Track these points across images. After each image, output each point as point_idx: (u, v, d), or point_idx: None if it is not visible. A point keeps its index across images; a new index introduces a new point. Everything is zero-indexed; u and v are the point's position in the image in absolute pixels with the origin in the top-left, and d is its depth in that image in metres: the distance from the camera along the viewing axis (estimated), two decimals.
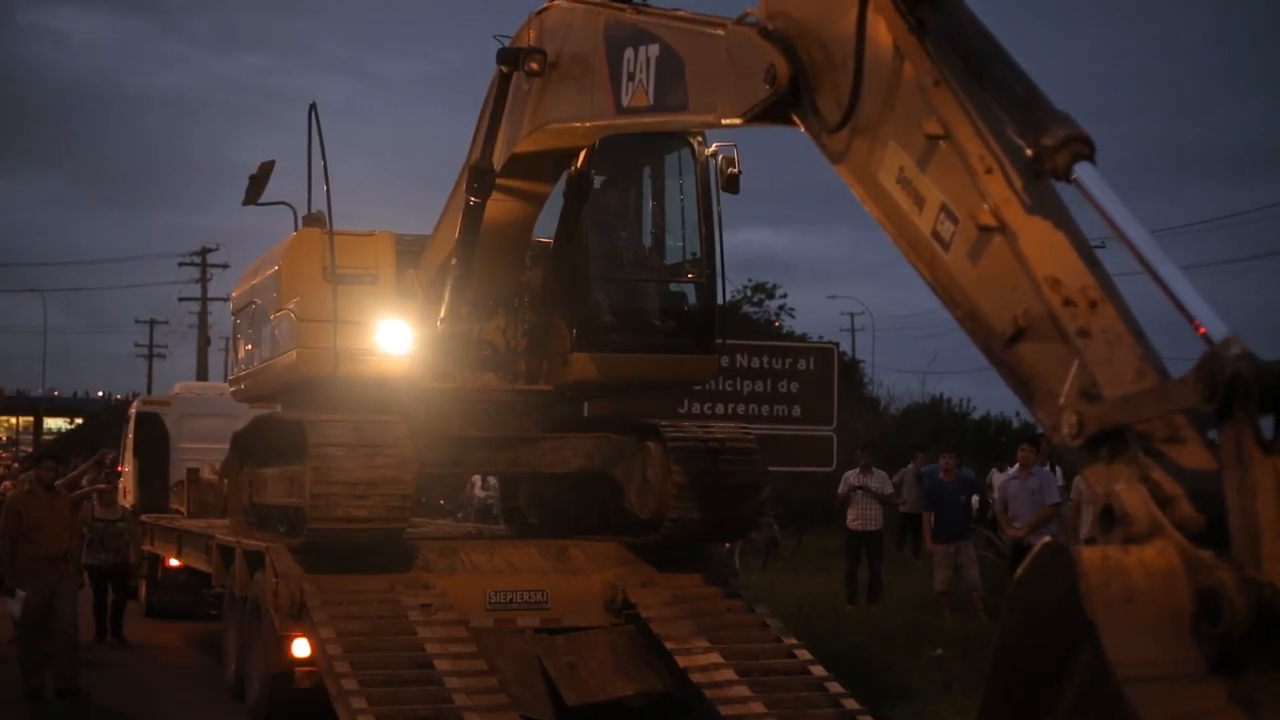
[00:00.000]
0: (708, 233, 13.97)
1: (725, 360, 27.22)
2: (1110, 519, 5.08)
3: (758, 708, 12.20)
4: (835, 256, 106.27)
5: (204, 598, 20.05)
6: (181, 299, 74.52)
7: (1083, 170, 5.74)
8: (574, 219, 13.61)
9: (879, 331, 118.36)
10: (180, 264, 73.06)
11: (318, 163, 13.57)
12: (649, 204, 14.49)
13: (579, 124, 10.79)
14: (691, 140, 13.96)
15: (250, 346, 15.96)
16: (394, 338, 13.58)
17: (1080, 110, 5.99)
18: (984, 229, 6.04)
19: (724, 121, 8.42)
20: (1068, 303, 5.68)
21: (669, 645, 12.95)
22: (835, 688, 12.65)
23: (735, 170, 13.53)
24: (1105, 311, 5.67)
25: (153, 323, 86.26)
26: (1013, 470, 20.53)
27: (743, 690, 12.38)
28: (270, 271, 14.76)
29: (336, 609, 12.61)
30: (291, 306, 13.85)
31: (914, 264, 6.53)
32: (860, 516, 23.83)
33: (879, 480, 24.31)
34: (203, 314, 72.85)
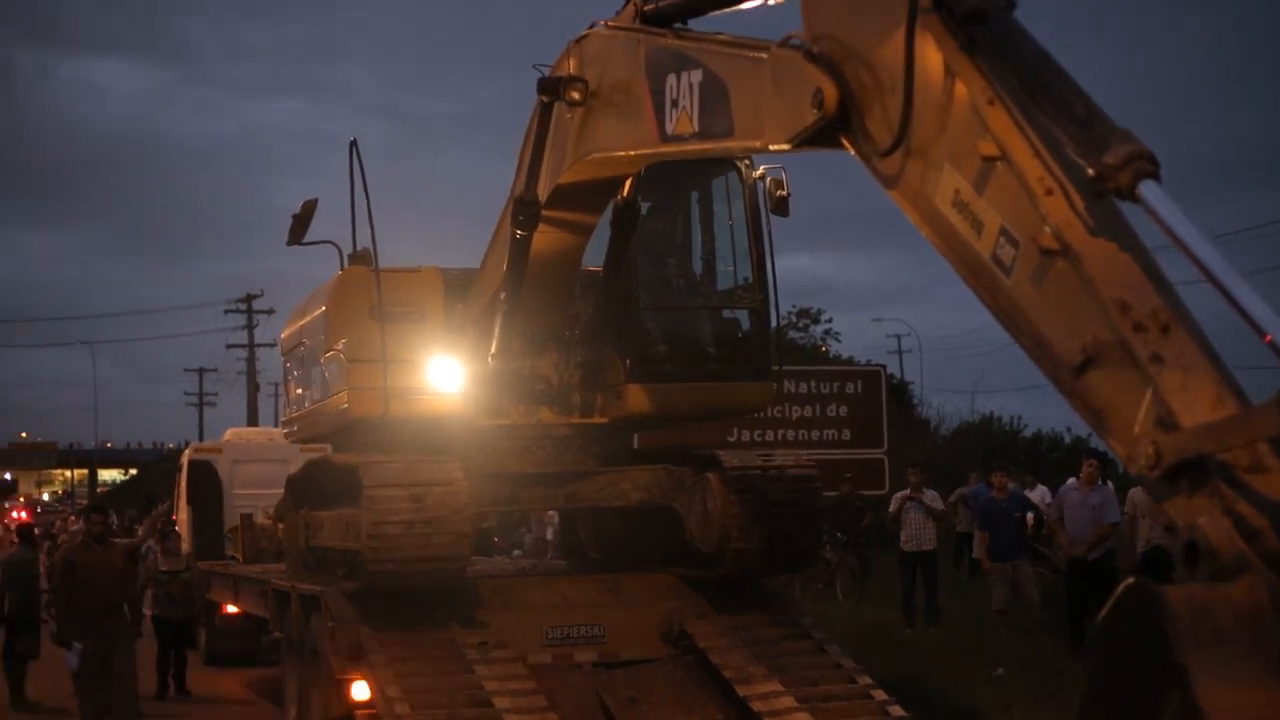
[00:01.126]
0: (759, 257, 13.76)
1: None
2: (1195, 555, 4.86)
3: None
4: (878, 280, 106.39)
5: (261, 643, 19.97)
6: (229, 346, 74.79)
7: (1148, 189, 5.52)
8: (622, 248, 13.43)
9: (926, 353, 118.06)
10: (226, 311, 73.27)
11: (360, 200, 13.43)
12: (698, 230, 14.28)
13: (623, 153, 10.61)
14: (739, 164, 13.76)
15: (301, 388, 15.85)
16: (445, 375, 13.41)
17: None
18: (1046, 252, 5.81)
19: (772, 147, 8.20)
20: (1138, 328, 5.45)
21: (727, 674, 12.78)
22: (898, 711, 12.51)
23: (784, 193, 13.34)
24: (1178, 335, 5.44)
25: (201, 371, 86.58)
26: (1073, 482, 20.23)
27: (804, 717, 12.23)
28: (317, 312, 14.64)
29: (394, 650, 12.47)
30: (340, 347, 13.72)
31: (975, 290, 6.31)
32: (913, 537, 23.60)
33: (930, 498, 24.06)
34: (251, 360, 73.01)
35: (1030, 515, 24.38)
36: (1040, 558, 24.68)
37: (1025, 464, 35.08)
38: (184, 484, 26.48)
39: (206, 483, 25.63)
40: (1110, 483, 19.85)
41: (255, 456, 25.82)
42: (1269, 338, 5.01)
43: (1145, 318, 5.48)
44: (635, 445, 15.35)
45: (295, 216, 14.19)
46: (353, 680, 12.69)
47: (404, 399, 13.26)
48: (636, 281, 13.73)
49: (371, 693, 12.44)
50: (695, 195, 14.33)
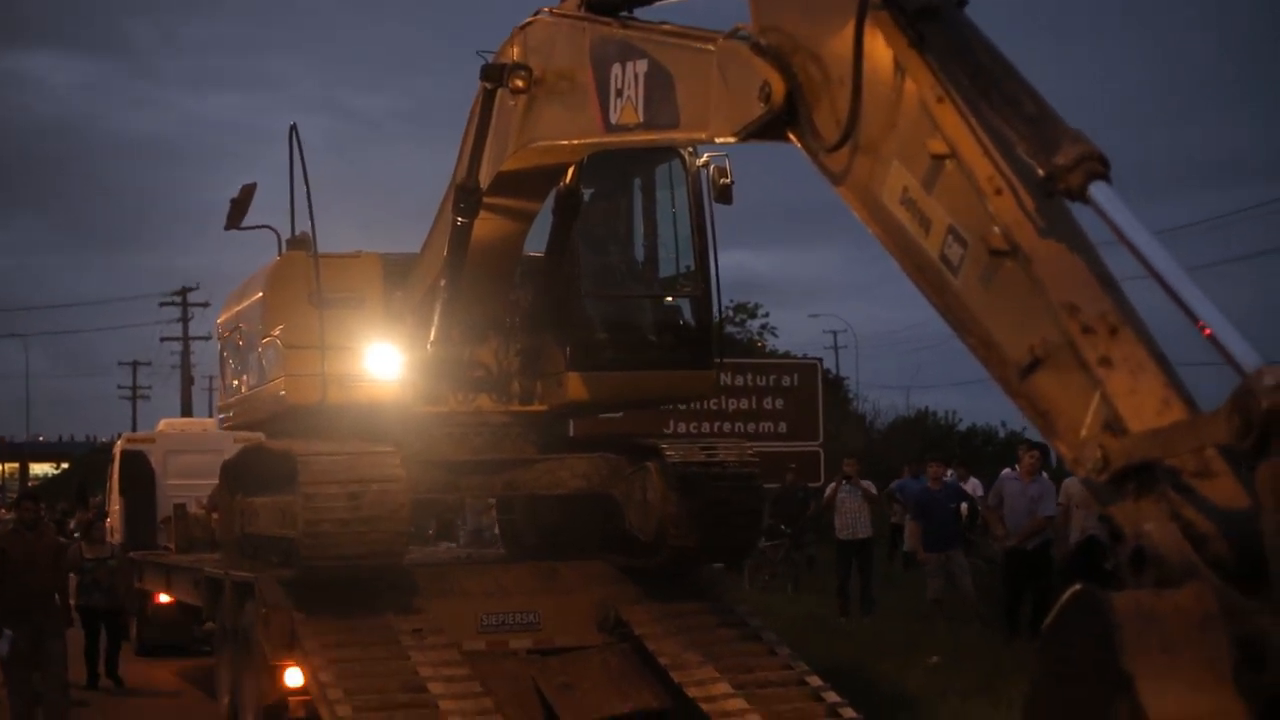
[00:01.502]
0: (701, 245, 13.72)
1: None
2: (1141, 560, 4.83)
3: (755, 719, 11.99)
4: (817, 277, 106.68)
5: (194, 633, 19.79)
6: (163, 339, 73.95)
7: (1098, 190, 5.48)
8: (564, 235, 13.34)
9: (863, 349, 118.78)
10: (161, 304, 72.51)
11: (300, 185, 13.32)
12: (640, 218, 14.23)
13: (567, 141, 10.52)
14: (682, 151, 13.69)
15: (237, 374, 15.70)
16: (383, 362, 13.31)
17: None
18: (995, 253, 5.77)
19: (718, 140, 8.14)
20: (1087, 330, 5.42)
21: (662, 661, 12.81)
22: (832, 697, 12.55)
23: (728, 180, 13.27)
24: (1126, 338, 5.41)
25: (135, 364, 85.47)
26: (1011, 472, 20.28)
27: (739, 703, 12.26)
28: (255, 297, 14.49)
29: (327, 637, 12.43)
30: (277, 333, 13.60)
31: (921, 288, 6.26)
32: (849, 524, 23.58)
33: (866, 485, 24.10)
34: (185, 353, 72.26)
35: (964, 505, 24.45)
36: (973, 547, 24.78)
37: (960, 458, 35.28)
38: (116, 474, 26.22)
39: (139, 473, 25.38)
40: (1046, 474, 19.91)
41: (189, 447, 25.61)
42: (1208, 331, 5.00)
43: (1094, 320, 5.44)
44: (571, 433, 15.28)
45: (233, 201, 14.06)
46: (286, 667, 12.65)
47: (342, 386, 13.16)
48: (578, 269, 13.67)
49: (305, 679, 12.40)
50: (638, 182, 14.27)
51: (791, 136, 7.40)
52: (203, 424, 29.49)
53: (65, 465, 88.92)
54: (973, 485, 27.72)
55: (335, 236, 14.40)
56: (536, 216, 12.78)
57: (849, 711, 12.34)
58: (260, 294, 14.21)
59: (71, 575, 19.49)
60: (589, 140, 10.10)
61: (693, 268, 13.82)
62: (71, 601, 19.44)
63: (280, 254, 14.14)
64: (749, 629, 13.51)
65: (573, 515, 14.92)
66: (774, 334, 60.11)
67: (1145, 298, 5.69)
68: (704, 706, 12.26)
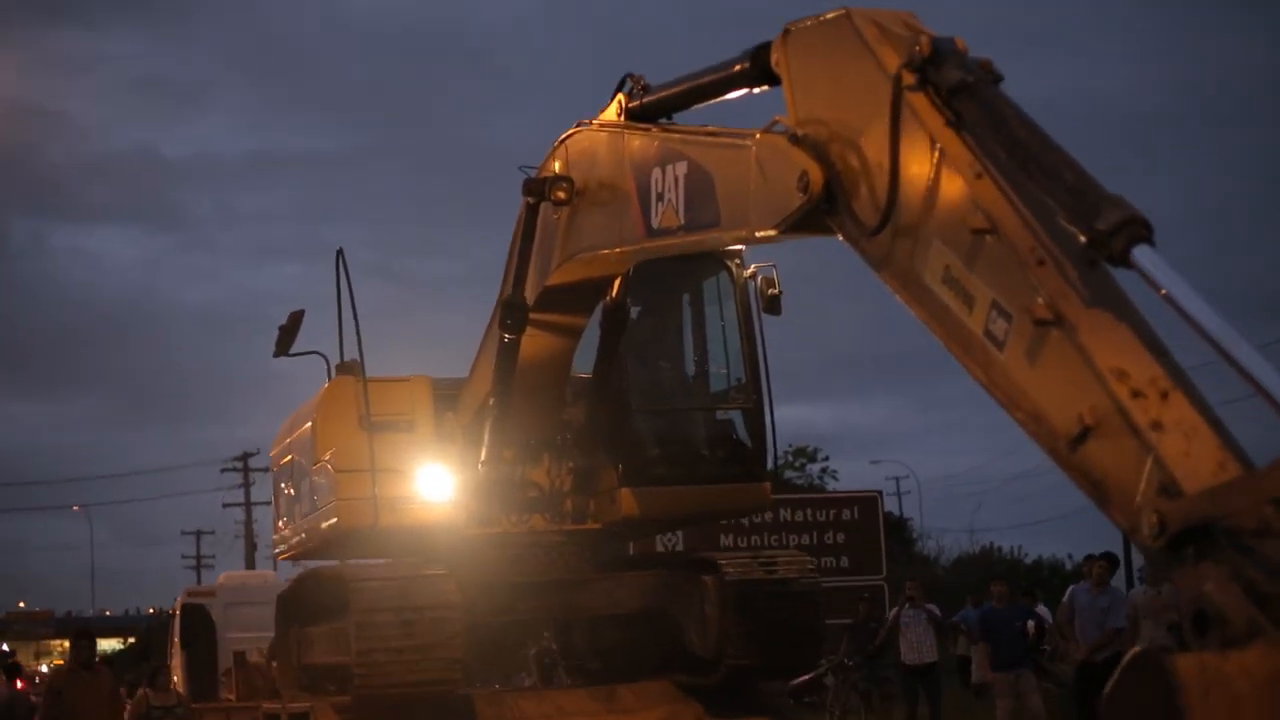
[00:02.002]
0: (751, 356, 13.63)
1: (769, 515, 26.85)
2: (1204, 624, 4.69)
3: None
4: (876, 426, 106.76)
5: None
6: (226, 504, 73.72)
7: (1141, 253, 5.41)
8: (612, 350, 13.28)
9: (924, 494, 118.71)
10: (222, 470, 72.42)
11: (347, 309, 13.33)
12: (689, 331, 14.15)
13: (610, 250, 10.51)
14: (729, 263, 13.68)
15: (290, 505, 15.62)
16: (435, 484, 13.22)
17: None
18: (1040, 323, 5.70)
19: (758, 235, 8.11)
20: (1136, 395, 5.32)
21: None
22: None
23: (776, 291, 13.24)
24: (1177, 401, 5.30)
25: (199, 534, 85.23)
26: (1083, 584, 19.94)
27: None
28: (305, 424, 14.46)
29: None
30: (328, 458, 13.53)
31: (967, 367, 6.18)
32: (914, 649, 23.17)
33: (927, 611, 23.68)
34: (248, 519, 72.18)
35: (1032, 624, 24.06)
36: (1045, 673, 24.30)
37: (1026, 588, 34.72)
38: (178, 627, 26.13)
39: (200, 626, 25.32)
40: (1116, 585, 19.59)
41: (250, 599, 25.42)
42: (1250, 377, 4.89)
43: (1144, 385, 5.34)
44: (631, 552, 15.14)
45: (282, 328, 14.06)
46: None
47: (394, 509, 13.06)
48: (627, 384, 13.58)
49: None
50: (686, 297, 14.21)
51: (832, 226, 7.38)
52: (263, 576, 29.48)
53: (132, 639, 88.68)
54: (1042, 612, 27.31)
55: (387, 366, 14.36)
56: (584, 332, 12.76)
57: None
58: (310, 420, 14.18)
59: None
60: (631, 247, 10.09)
61: (743, 380, 13.72)
62: None
63: (329, 379, 14.11)
64: None
65: (632, 637, 14.71)
66: (834, 477, 59.77)
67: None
68: None
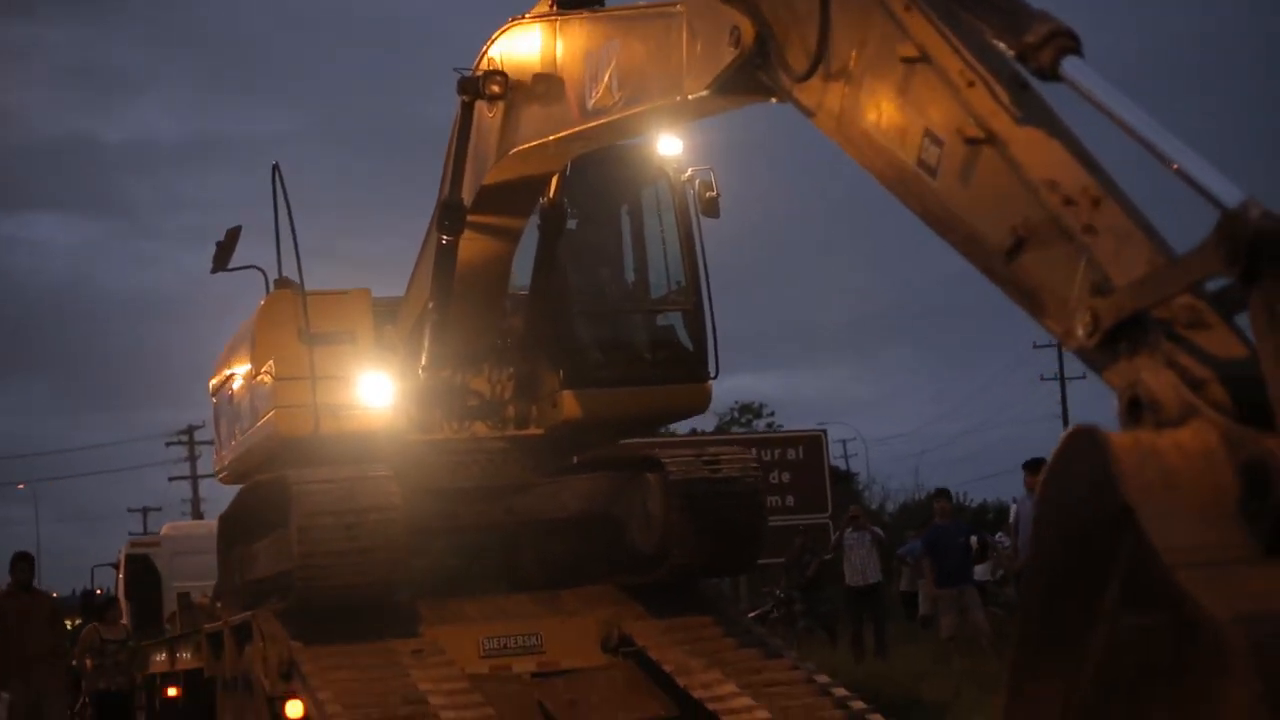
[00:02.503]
0: (691, 259, 13.63)
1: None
2: (1137, 409, 4.70)
3: (763, 714, 11.96)
4: (822, 394, 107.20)
5: None
6: (172, 478, 73.07)
7: (1070, 65, 5.42)
8: (550, 254, 13.25)
9: (871, 458, 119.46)
10: (168, 444, 71.73)
11: (285, 224, 13.24)
12: (628, 238, 14.14)
13: (546, 139, 10.46)
14: (668, 170, 13.67)
15: (231, 425, 15.52)
16: (375, 391, 13.15)
17: None
18: (971, 141, 5.72)
19: (691, 97, 8.08)
20: (1068, 202, 5.34)
21: (667, 668, 12.67)
22: (840, 691, 12.48)
23: (714, 194, 13.24)
24: (1109, 209, 5.32)
25: (145, 510, 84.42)
26: (1025, 496, 20.09)
27: (746, 700, 12.13)
28: (244, 338, 14.38)
29: (326, 661, 12.28)
30: (267, 369, 13.46)
31: (905, 202, 6.21)
32: (858, 571, 23.23)
33: (872, 534, 23.75)
34: (195, 492, 71.64)
35: (975, 539, 24.19)
36: (991, 598, 24.41)
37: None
38: (122, 578, 25.90)
39: (145, 576, 25.10)
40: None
41: (194, 549, 25.19)
42: (1175, 166, 4.90)
43: (1076, 193, 5.36)
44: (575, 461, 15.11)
45: (219, 244, 13.96)
46: (286, 700, 12.45)
47: (334, 416, 12.99)
48: (567, 288, 13.57)
49: (304, 709, 12.19)
50: (625, 205, 14.21)
51: (765, 80, 7.37)
52: (208, 525, 29.18)
53: (78, 622, 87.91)
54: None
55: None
56: (521, 236, 12.72)
57: (858, 703, 12.23)
58: (250, 334, 14.09)
59: (88, 660, 19.23)
60: (568, 132, 10.06)
61: (683, 282, 13.72)
62: (85, 686, 19.21)
63: (267, 294, 14.01)
64: (753, 636, 13.41)
65: (576, 546, 14.73)
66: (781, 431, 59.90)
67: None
68: (711, 707, 12.11)
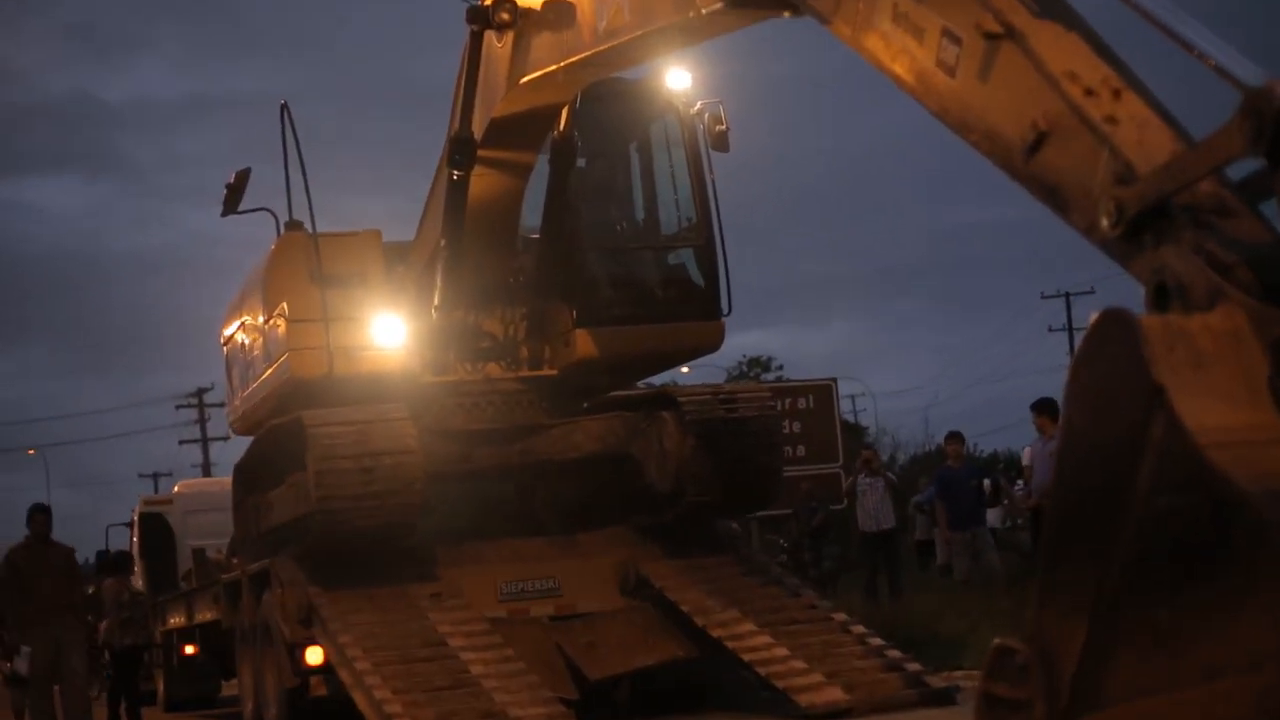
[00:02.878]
0: (702, 195, 13.54)
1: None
2: (1164, 295, 4.63)
3: (781, 652, 12.00)
4: (830, 350, 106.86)
5: (221, 689, 19.37)
6: (182, 441, 72.73)
7: None
8: (561, 189, 13.19)
9: (880, 409, 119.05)
10: (178, 407, 71.36)
11: (295, 166, 13.15)
12: (639, 175, 14.04)
13: (557, 66, 10.38)
14: (677, 104, 13.56)
15: (244, 373, 15.46)
16: (388, 332, 13.11)
17: None
18: (990, 36, 5.64)
19: (705, 11, 8.00)
20: (1089, 93, 5.27)
21: (685, 609, 12.68)
22: (859, 628, 12.51)
23: (723, 127, 13.15)
24: (1129, 99, 5.25)
25: (156, 476, 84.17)
26: (1036, 438, 19.96)
27: (766, 638, 12.17)
28: (255, 282, 14.31)
29: (345, 605, 12.30)
30: (280, 311, 13.40)
31: (923, 103, 6.13)
32: (872, 516, 23.00)
33: (886, 480, 23.55)
34: (205, 456, 71.43)
35: (988, 482, 24.06)
36: (1004, 543, 24.28)
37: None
38: (136, 539, 25.78)
39: (159, 536, 24.96)
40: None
41: (208, 506, 25.03)
42: (1211, 62, 4.82)
43: (1096, 84, 5.29)
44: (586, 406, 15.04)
45: (229, 186, 13.84)
46: (306, 646, 12.45)
47: (347, 357, 12.96)
48: (579, 226, 13.49)
49: (325, 655, 12.21)
50: (634, 143, 14.11)
51: None
52: (220, 483, 29.00)
53: (92, 589, 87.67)
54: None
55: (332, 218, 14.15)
56: (532, 170, 12.65)
57: (876, 640, 12.24)
58: (261, 276, 14.03)
59: (109, 615, 19.17)
60: (579, 57, 9.98)
61: (694, 219, 13.63)
62: (105, 641, 19.15)
63: (278, 236, 13.94)
64: (771, 576, 13.39)
65: (592, 489, 14.64)
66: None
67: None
68: (730, 645, 12.10)
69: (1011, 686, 4.80)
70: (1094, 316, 4.47)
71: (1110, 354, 4.36)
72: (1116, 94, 5.24)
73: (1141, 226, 4.92)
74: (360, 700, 11.38)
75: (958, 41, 5.84)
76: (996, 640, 4.94)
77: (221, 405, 68.81)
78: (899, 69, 6.23)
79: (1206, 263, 4.62)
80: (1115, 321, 4.37)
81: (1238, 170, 4.96)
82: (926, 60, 6.02)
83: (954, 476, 21.30)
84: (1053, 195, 5.38)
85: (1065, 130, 5.29)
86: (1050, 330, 59.52)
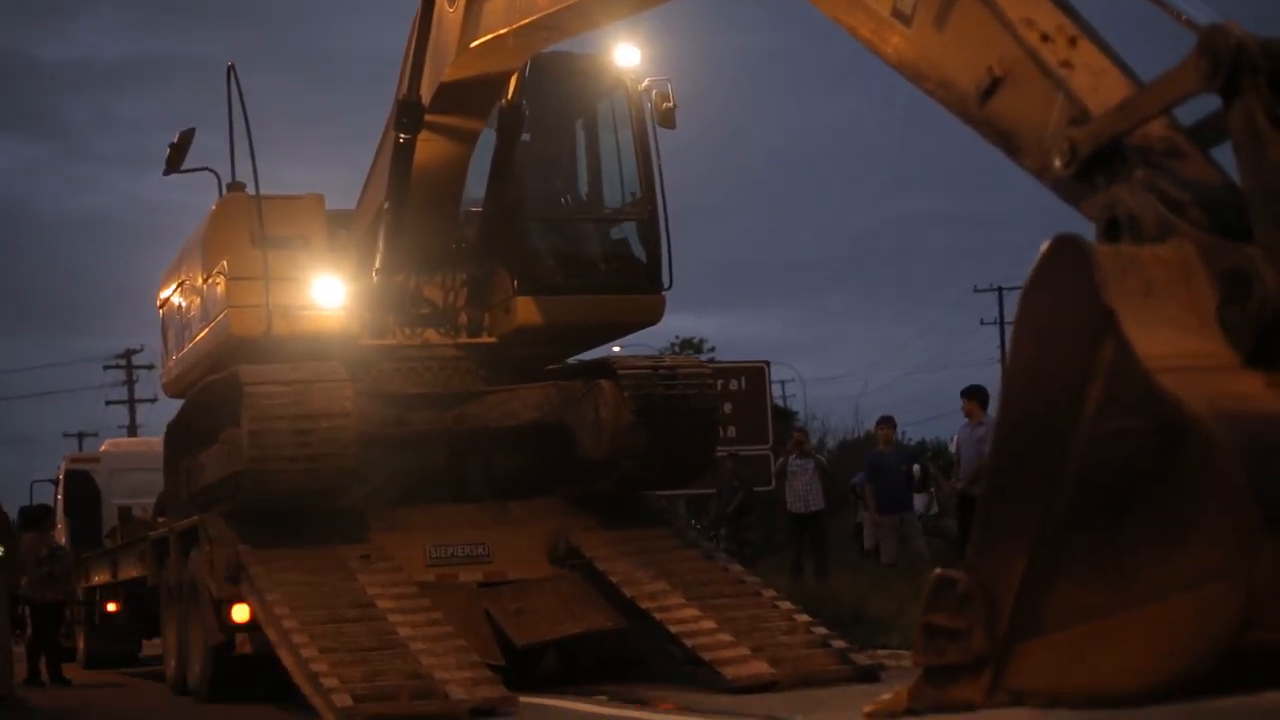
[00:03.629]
0: (647, 170, 13.58)
1: None
2: (1115, 229, 4.72)
3: (709, 625, 12.00)
4: (761, 336, 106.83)
5: (143, 647, 19.23)
6: (109, 403, 72.14)
7: None
8: (507, 158, 13.20)
9: (809, 396, 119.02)
10: (105, 367, 70.60)
11: (240, 127, 13.12)
12: (585, 148, 14.09)
13: (508, 29, 10.40)
14: (625, 80, 13.61)
15: (181, 333, 15.37)
16: (328, 293, 13.10)
17: None
18: None
19: None
20: (1045, 39, 5.35)
21: (614, 579, 12.70)
22: (786, 605, 12.55)
23: (670, 104, 13.23)
24: (1085, 47, 5.35)
25: (81, 435, 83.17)
26: (964, 424, 20.05)
27: (693, 611, 12.18)
28: (196, 242, 14.25)
29: (273, 564, 12.28)
30: (220, 269, 13.35)
31: (879, 53, 6.19)
32: (799, 498, 23.03)
33: (816, 462, 23.59)
34: (132, 418, 70.68)
35: (917, 468, 24.17)
36: (929, 526, 24.39)
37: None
38: (61, 496, 25.56)
39: (84, 493, 24.76)
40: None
41: (136, 465, 24.85)
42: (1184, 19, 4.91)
43: (1052, 31, 5.38)
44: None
45: (172, 145, 13.80)
46: (232, 604, 12.44)
47: (286, 316, 12.93)
48: (523, 196, 13.52)
49: (251, 613, 12.19)
50: (581, 118, 14.16)
51: None
52: (149, 443, 28.79)
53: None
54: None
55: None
56: (479, 137, 12.66)
57: (803, 617, 12.29)
58: (201, 237, 13.97)
59: (29, 569, 18.98)
60: (531, 18, 10.00)
61: (639, 194, 13.69)
62: (24, 595, 18.98)
63: (220, 197, 13.88)
64: (702, 550, 13.43)
65: (526, 456, 14.65)
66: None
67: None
68: (658, 617, 12.13)
69: (951, 616, 4.87)
70: (1050, 242, 4.54)
71: (1061, 280, 4.44)
72: (1072, 41, 5.33)
73: (1094, 167, 5.01)
74: (286, 658, 11.34)
75: None
76: (937, 570, 5.01)
77: (150, 367, 68.21)
78: (855, 20, 6.28)
79: (1159, 200, 4.71)
80: (1067, 248, 4.44)
81: (1189, 118, 5.06)
82: (882, 9, 6.08)
83: (884, 461, 21.37)
84: (1006, 139, 5.45)
85: (1020, 76, 5.36)
86: (982, 323, 59.77)
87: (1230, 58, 4.42)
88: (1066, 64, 5.25)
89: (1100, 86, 5.18)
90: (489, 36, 10.72)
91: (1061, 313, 4.44)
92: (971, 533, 4.96)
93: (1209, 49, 4.47)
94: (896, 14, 6.01)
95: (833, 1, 6.43)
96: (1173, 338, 4.30)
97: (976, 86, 5.53)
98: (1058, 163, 5.11)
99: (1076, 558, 4.44)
